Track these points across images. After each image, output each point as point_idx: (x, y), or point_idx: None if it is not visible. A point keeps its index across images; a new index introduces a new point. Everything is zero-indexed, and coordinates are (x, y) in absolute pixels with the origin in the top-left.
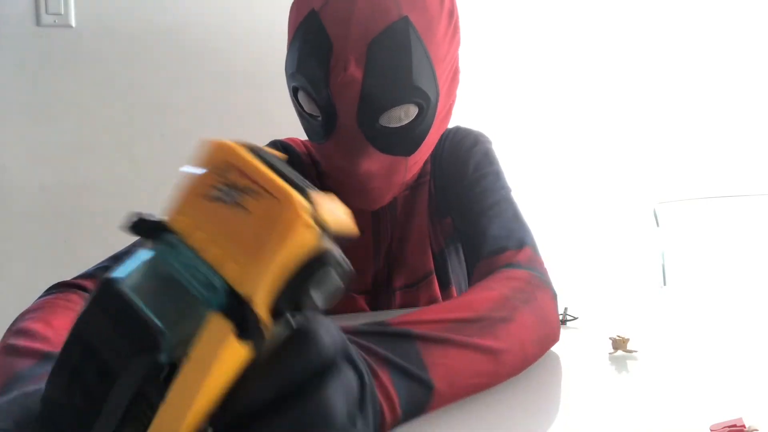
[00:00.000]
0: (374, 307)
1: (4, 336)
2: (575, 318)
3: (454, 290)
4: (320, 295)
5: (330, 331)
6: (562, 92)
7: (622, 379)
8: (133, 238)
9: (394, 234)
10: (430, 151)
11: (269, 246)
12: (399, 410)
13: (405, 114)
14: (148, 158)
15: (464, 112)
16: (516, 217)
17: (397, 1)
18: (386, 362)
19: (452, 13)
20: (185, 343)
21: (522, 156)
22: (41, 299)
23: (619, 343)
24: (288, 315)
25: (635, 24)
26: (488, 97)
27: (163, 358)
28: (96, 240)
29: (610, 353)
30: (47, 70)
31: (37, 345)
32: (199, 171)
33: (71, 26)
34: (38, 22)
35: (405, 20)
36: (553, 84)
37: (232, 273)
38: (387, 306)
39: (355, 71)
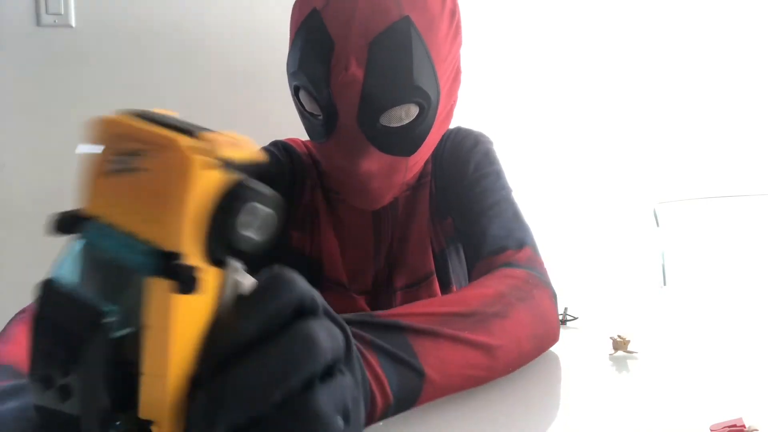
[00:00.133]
0: (374, 307)
1: None
2: (575, 318)
3: (455, 290)
4: (251, 229)
5: (306, 283)
6: (563, 93)
7: (622, 379)
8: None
9: (394, 234)
10: (430, 152)
11: (174, 195)
12: (390, 394)
13: (406, 114)
14: None
15: (465, 113)
16: (516, 217)
17: (398, 0)
18: (373, 346)
19: (454, 14)
20: (137, 313)
21: (522, 156)
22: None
23: (619, 344)
24: (228, 257)
25: (635, 24)
26: (489, 97)
27: (115, 334)
28: None
29: (610, 354)
30: (47, 70)
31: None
32: (95, 150)
33: (71, 26)
34: (38, 22)
35: (406, 20)
36: (553, 84)
37: (153, 234)
38: (387, 306)
39: (356, 71)
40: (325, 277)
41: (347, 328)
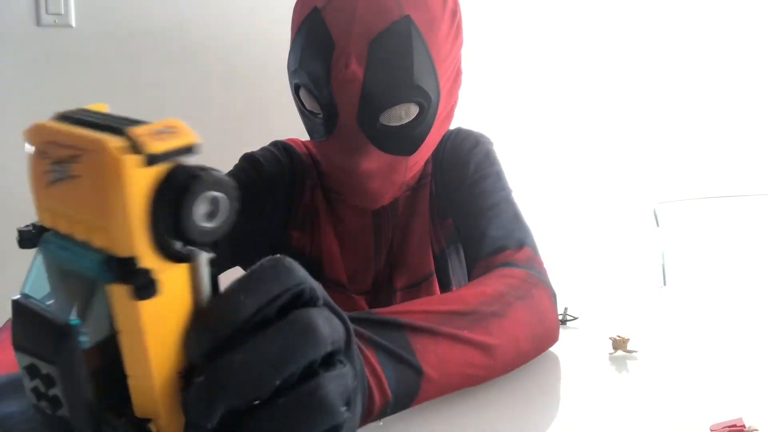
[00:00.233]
0: (374, 307)
1: None
2: (575, 318)
3: (454, 291)
4: (202, 217)
5: (305, 273)
6: (563, 93)
7: (622, 379)
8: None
9: (395, 234)
10: (430, 152)
11: (111, 201)
12: (389, 391)
13: (406, 113)
14: None
15: (465, 114)
16: (516, 217)
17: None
18: (371, 342)
19: (455, 14)
20: (109, 318)
21: (523, 157)
22: None
23: (619, 344)
24: (193, 250)
25: (635, 25)
26: (489, 98)
27: (85, 344)
28: None
29: (610, 353)
30: (47, 70)
31: None
32: (33, 159)
33: (71, 26)
34: (38, 22)
35: (407, 19)
36: (553, 85)
37: (103, 242)
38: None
39: (357, 69)
40: (324, 278)
41: (348, 320)
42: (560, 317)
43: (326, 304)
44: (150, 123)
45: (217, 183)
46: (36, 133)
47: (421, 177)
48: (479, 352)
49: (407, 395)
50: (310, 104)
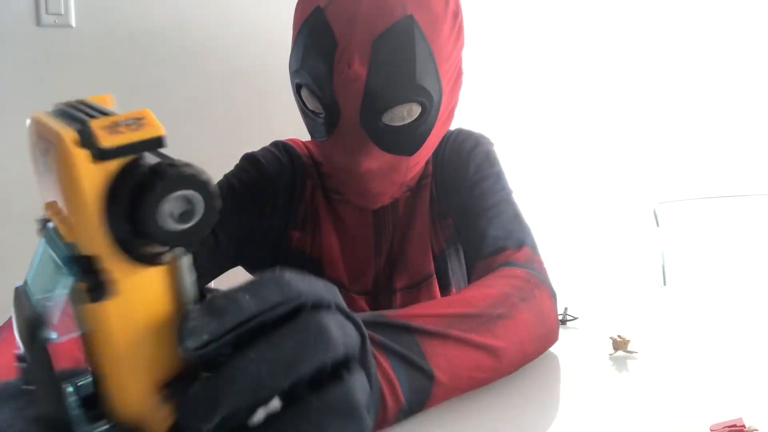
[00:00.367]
0: (374, 308)
1: None
2: (575, 318)
3: (454, 292)
4: (181, 217)
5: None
6: (563, 94)
7: (622, 379)
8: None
9: (395, 235)
10: (431, 152)
11: (68, 194)
12: (402, 397)
13: (408, 113)
14: None
15: (466, 114)
16: (516, 217)
17: None
18: (385, 348)
19: (457, 15)
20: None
21: (523, 157)
22: None
23: (619, 344)
24: (159, 252)
25: (635, 25)
26: (490, 99)
27: (54, 338)
28: None
29: (610, 354)
30: (47, 70)
31: None
32: (31, 151)
33: (71, 26)
34: (38, 22)
35: (410, 19)
36: (553, 86)
37: (71, 236)
38: (387, 307)
39: (360, 68)
40: (325, 278)
41: (362, 326)
42: (560, 317)
43: (340, 310)
44: (116, 114)
45: (186, 180)
46: (32, 126)
47: (422, 177)
48: (487, 355)
49: (419, 401)
50: (312, 104)
